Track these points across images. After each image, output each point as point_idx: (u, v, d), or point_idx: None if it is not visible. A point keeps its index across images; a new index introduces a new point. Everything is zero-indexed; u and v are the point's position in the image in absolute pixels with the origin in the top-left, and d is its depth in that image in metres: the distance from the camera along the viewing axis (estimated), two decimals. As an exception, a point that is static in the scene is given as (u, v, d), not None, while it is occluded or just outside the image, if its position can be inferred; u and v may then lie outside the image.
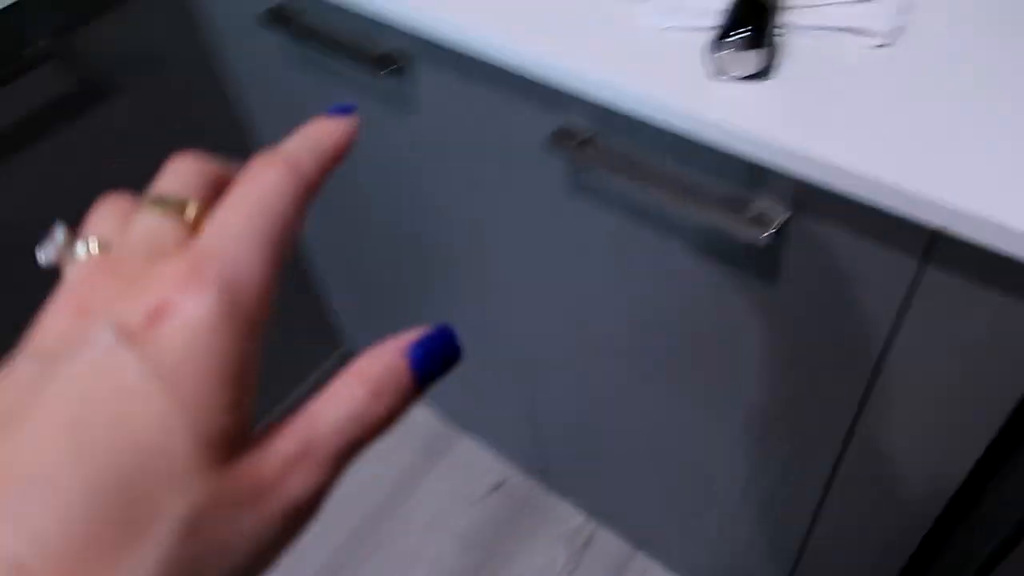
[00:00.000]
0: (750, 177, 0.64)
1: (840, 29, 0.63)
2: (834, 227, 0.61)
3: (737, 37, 0.59)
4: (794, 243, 0.65)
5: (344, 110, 0.24)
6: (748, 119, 0.59)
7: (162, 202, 0.22)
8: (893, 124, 0.56)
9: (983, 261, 0.54)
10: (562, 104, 0.72)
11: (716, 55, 0.60)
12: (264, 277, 0.20)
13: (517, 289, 1.01)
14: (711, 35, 0.60)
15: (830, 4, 0.64)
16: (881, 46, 0.62)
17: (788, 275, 0.68)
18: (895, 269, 0.60)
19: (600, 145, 0.72)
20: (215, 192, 0.22)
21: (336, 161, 0.23)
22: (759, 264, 0.69)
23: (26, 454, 0.17)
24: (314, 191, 0.22)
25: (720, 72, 0.62)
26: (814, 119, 0.58)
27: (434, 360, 0.22)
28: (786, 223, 0.64)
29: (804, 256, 0.66)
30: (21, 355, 0.19)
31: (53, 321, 0.20)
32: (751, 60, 0.60)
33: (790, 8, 0.64)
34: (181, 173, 0.23)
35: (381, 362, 0.21)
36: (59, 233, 0.22)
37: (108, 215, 0.23)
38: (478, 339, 1.17)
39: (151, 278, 0.19)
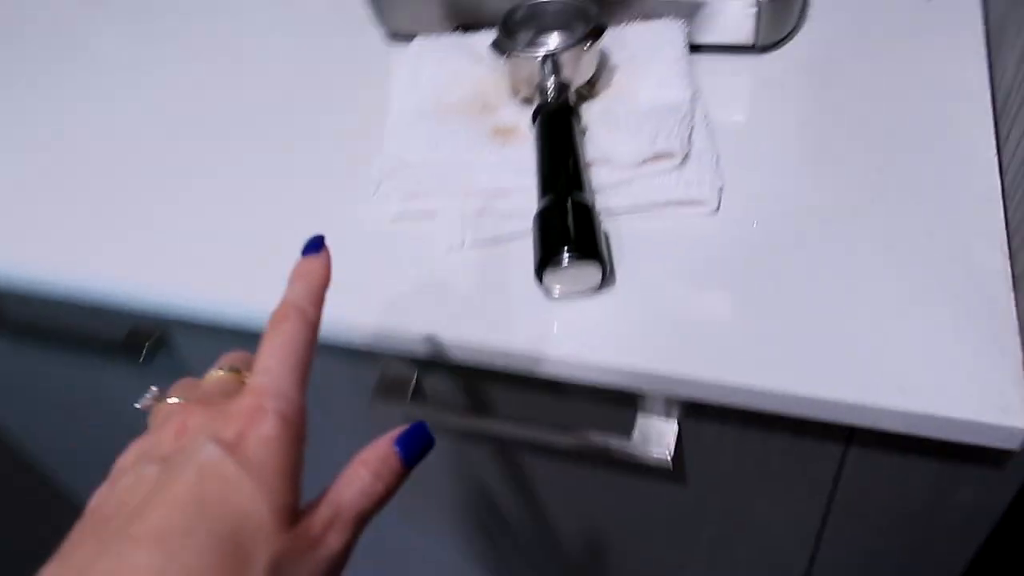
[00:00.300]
0: (630, 402, 0.54)
1: (665, 204, 0.55)
2: (738, 427, 0.52)
3: (568, 254, 0.48)
4: (695, 449, 0.55)
5: (315, 245, 0.36)
6: (602, 348, 0.48)
7: (223, 369, 0.35)
8: (767, 317, 0.48)
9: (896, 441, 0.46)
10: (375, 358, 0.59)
11: (547, 275, 0.50)
12: (301, 398, 0.30)
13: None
14: (523, 248, 0.50)
15: (642, 178, 0.56)
16: (715, 211, 0.54)
17: (698, 475, 0.58)
18: (819, 455, 0.51)
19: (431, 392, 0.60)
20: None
21: (325, 290, 0.34)
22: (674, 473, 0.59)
23: (170, 519, 0.25)
24: (318, 325, 0.33)
25: (553, 294, 0.51)
26: (680, 329, 0.48)
27: (415, 446, 0.32)
28: (679, 437, 0.54)
29: (708, 458, 0.56)
30: (139, 462, 0.29)
31: (159, 439, 0.29)
32: (589, 275, 0.50)
33: (599, 192, 0.55)
34: (226, 359, 0.36)
35: (377, 452, 0.31)
36: (152, 391, 0.34)
37: (181, 387, 0.34)
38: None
39: (230, 409, 0.29)
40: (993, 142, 0.55)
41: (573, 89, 0.60)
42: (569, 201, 0.51)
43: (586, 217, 0.50)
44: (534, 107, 0.60)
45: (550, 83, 0.59)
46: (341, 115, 0.69)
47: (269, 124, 0.70)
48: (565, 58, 0.59)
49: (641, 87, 0.62)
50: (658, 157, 0.55)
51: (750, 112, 0.62)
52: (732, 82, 0.65)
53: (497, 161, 0.59)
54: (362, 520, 0.29)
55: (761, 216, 0.54)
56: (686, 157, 0.56)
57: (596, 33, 0.59)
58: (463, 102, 0.65)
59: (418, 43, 0.69)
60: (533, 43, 0.64)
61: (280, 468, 0.28)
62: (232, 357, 0.36)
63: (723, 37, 0.65)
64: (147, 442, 0.30)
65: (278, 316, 0.32)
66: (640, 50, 0.63)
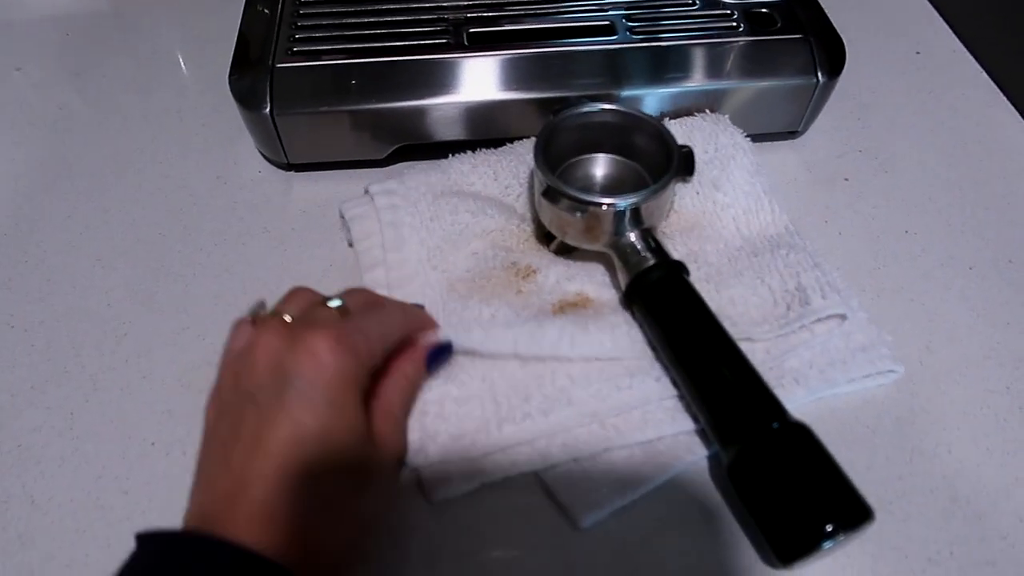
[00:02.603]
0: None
1: (848, 382, 0.41)
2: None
3: (840, 535, 0.33)
4: None
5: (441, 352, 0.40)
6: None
7: (335, 301, 0.36)
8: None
9: None
10: None
11: (799, 562, 0.33)
12: (376, 360, 0.35)
13: None
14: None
15: (791, 352, 0.42)
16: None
17: None
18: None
19: None
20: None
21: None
22: None
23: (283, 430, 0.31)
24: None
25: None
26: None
27: (438, 358, 0.40)
28: None
29: None
30: (241, 394, 0.32)
31: (261, 361, 0.33)
32: (856, 534, 0.34)
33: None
34: (346, 294, 0.38)
35: (415, 357, 0.38)
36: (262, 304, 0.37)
37: (295, 300, 0.37)
38: None
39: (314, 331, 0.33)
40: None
41: (654, 235, 0.43)
42: (783, 437, 0.35)
43: (818, 452, 0.35)
44: (623, 278, 0.42)
45: (633, 237, 0.42)
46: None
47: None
48: (651, 203, 0.42)
49: (723, 216, 0.47)
50: (810, 320, 0.41)
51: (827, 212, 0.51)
52: (783, 170, 0.53)
53: (589, 351, 0.40)
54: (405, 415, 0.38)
55: (942, 363, 0.43)
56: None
57: (689, 161, 0.43)
58: (485, 270, 0.45)
59: (382, 195, 0.47)
60: (587, 175, 0.46)
61: (348, 400, 0.32)
62: (352, 294, 0.38)
63: (770, 124, 0.53)
64: (242, 364, 0.33)
65: (392, 307, 0.40)
66: (702, 163, 0.48)
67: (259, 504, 0.30)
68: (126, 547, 0.37)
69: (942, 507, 0.38)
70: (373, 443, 0.34)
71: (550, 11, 0.53)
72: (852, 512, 0.33)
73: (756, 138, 0.50)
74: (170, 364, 0.43)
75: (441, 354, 0.40)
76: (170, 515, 0.38)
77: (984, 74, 0.60)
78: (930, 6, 0.66)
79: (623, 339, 0.41)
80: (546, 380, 0.40)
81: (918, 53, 0.62)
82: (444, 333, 0.40)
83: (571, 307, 0.43)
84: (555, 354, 0.40)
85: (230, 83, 0.49)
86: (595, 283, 0.44)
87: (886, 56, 0.61)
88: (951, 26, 0.64)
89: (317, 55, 0.50)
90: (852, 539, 0.34)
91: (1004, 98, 0.58)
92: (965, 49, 0.62)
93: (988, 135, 0.55)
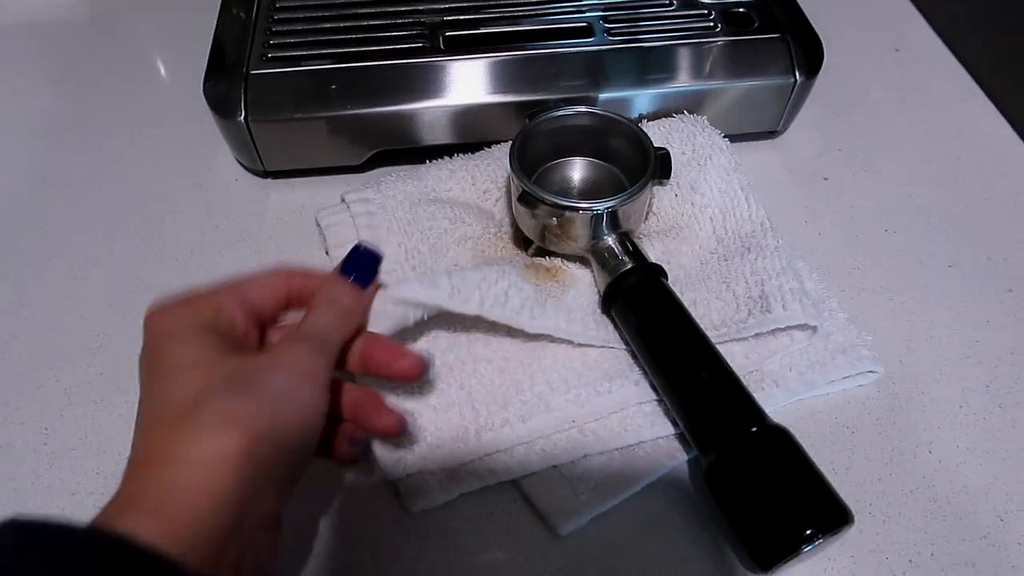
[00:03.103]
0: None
1: (828, 383, 0.41)
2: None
3: (817, 539, 0.32)
4: None
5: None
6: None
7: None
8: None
9: None
10: None
11: (778, 567, 0.33)
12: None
13: None
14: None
15: (772, 356, 0.42)
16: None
17: None
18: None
19: None
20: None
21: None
22: None
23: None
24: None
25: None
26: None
27: (364, 270, 0.35)
28: None
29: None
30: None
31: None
32: (835, 537, 0.34)
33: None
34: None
35: (335, 290, 0.34)
36: None
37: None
38: None
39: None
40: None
41: (632, 239, 0.43)
42: (761, 441, 0.35)
43: (796, 456, 0.35)
44: (601, 282, 0.42)
45: (611, 240, 0.42)
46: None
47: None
48: (628, 206, 0.42)
49: (700, 216, 0.46)
50: (767, 329, 0.41)
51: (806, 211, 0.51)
52: (763, 169, 0.52)
53: (544, 327, 0.40)
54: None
55: (922, 362, 0.43)
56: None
57: (666, 164, 0.43)
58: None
59: (358, 203, 0.46)
60: (564, 179, 0.46)
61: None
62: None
63: (749, 124, 0.52)
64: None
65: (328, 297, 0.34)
66: (679, 165, 0.47)
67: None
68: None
69: (922, 508, 0.38)
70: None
71: (527, 13, 0.53)
72: (831, 515, 0.33)
73: (735, 138, 0.50)
74: (146, 376, 0.43)
75: (363, 261, 0.35)
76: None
77: (963, 70, 0.60)
78: (908, 2, 0.66)
79: (576, 324, 0.41)
80: (525, 386, 0.39)
81: (897, 50, 0.62)
82: (408, 284, 0.36)
83: (545, 272, 0.43)
84: (514, 323, 0.39)
85: (204, 90, 0.49)
86: (568, 263, 0.44)
87: (865, 53, 0.61)
88: (930, 22, 0.64)
89: (292, 61, 0.49)
90: (832, 542, 0.34)
91: (983, 94, 0.58)
92: (944, 45, 0.62)
93: (967, 131, 0.55)
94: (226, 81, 0.49)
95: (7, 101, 0.59)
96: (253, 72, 0.49)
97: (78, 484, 0.39)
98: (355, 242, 0.37)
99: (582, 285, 0.43)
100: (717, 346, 0.38)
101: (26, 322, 0.46)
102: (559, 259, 0.44)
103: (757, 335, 0.40)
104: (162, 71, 0.62)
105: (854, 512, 0.33)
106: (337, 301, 0.34)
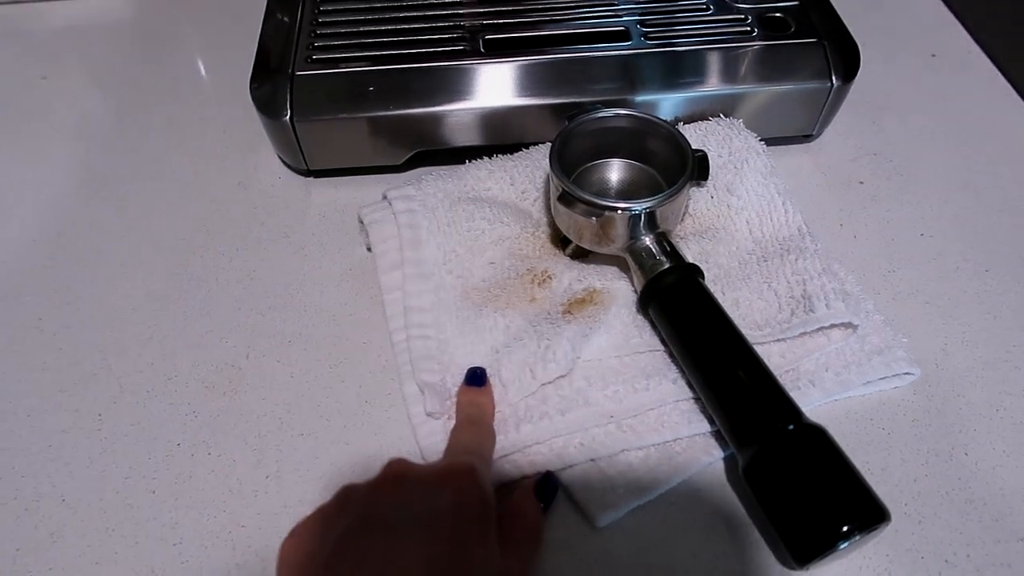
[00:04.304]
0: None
1: (864, 384, 0.41)
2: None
3: (855, 535, 0.33)
4: None
5: (479, 379, 0.40)
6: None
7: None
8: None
9: None
10: None
11: (815, 563, 0.34)
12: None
13: None
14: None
15: (808, 356, 0.42)
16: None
17: None
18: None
19: None
20: None
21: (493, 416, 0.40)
22: None
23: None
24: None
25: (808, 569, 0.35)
26: None
27: (550, 493, 0.37)
28: None
29: None
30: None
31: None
32: (871, 536, 0.35)
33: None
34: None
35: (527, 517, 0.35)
36: None
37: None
38: None
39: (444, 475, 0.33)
40: None
41: (669, 239, 0.43)
42: (799, 439, 0.35)
43: (833, 453, 0.35)
44: (638, 282, 0.42)
45: (648, 241, 0.42)
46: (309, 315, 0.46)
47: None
48: (666, 207, 0.42)
49: (736, 219, 0.47)
50: (819, 328, 0.41)
51: (843, 214, 0.51)
52: (798, 173, 0.53)
53: (590, 354, 0.41)
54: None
55: (958, 365, 0.43)
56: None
57: (703, 165, 0.43)
58: (500, 280, 0.45)
59: (400, 200, 0.47)
60: (602, 180, 0.47)
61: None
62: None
63: (784, 128, 0.53)
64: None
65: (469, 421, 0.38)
66: (716, 167, 0.48)
67: None
68: (154, 545, 0.38)
69: (958, 509, 0.38)
70: None
71: (565, 17, 0.54)
72: (868, 513, 0.33)
73: (770, 141, 0.50)
74: (194, 366, 0.44)
75: (549, 484, 0.38)
76: (195, 514, 0.39)
77: (1000, 76, 0.60)
78: (945, 8, 0.66)
79: (618, 338, 0.42)
80: (563, 381, 0.40)
81: (933, 56, 0.62)
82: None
83: (579, 305, 0.43)
84: (565, 370, 0.40)
85: (251, 91, 0.50)
86: (603, 277, 0.45)
87: (901, 59, 0.62)
88: (967, 28, 0.64)
89: (335, 63, 0.51)
90: (868, 540, 0.34)
91: (1020, 100, 0.58)
92: (981, 51, 0.62)
93: (1003, 137, 0.55)
94: (272, 83, 0.50)
95: (58, 102, 0.61)
96: (298, 74, 0.50)
97: (131, 468, 0.40)
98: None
99: (620, 298, 0.44)
100: (757, 346, 0.39)
101: (79, 314, 0.47)
102: (594, 281, 0.44)
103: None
104: (206, 73, 0.64)
105: (890, 511, 0.33)
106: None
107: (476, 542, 0.30)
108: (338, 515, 0.31)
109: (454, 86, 0.50)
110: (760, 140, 0.49)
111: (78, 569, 0.37)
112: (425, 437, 0.40)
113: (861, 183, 0.53)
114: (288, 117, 0.49)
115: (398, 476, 0.33)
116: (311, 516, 0.32)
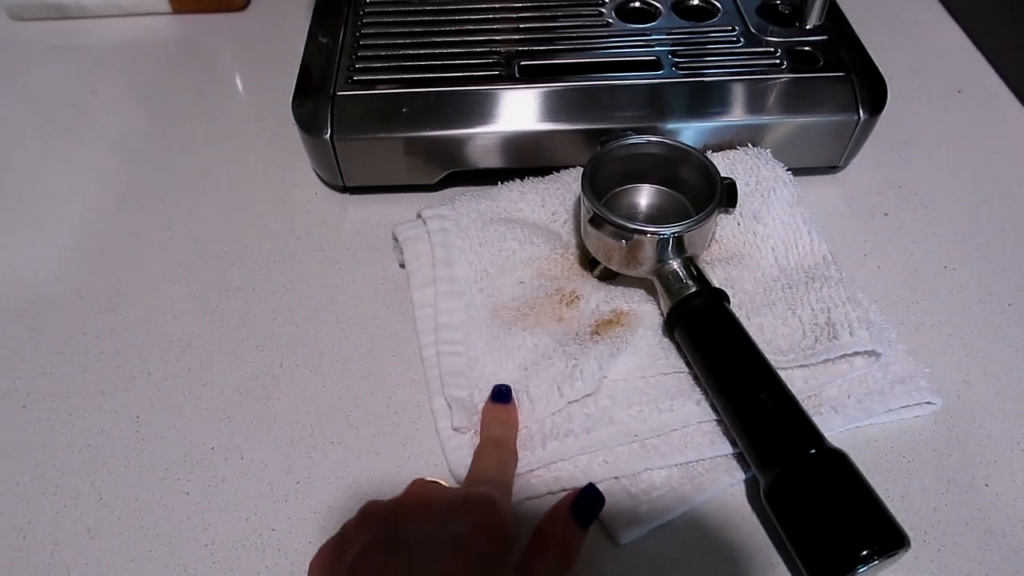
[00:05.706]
0: None
1: (885, 412, 0.42)
2: None
3: (875, 559, 0.33)
4: None
5: (505, 396, 0.41)
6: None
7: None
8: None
9: None
10: None
11: (832, 585, 0.34)
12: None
13: None
14: None
15: (830, 382, 0.43)
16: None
17: None
18: None
19: None
20: None
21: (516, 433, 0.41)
22: None
23: None
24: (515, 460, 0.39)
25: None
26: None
27: (589, 509, 0.36)
28: None
29: None
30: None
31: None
32: (890, 561, 0.35)
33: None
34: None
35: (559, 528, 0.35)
36: None
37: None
38: None
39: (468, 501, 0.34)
40: None
41: (696, 263, 0.44)
42: (821, 463, 0.36)
43: (854, 478, 0.36)
44: (665, 304, 0.43)
45: (676, 265, 0.43)
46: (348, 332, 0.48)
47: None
48: (694, 232, 0.43)
49: (762, 246, 0.48)
50: (843, 356, 0.42)
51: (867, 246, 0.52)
52: (824, 203, 0.54)
53: (616, 375, 0.42)
54: None
55: (980, 397, 0.43)
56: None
57: (732, 193, 0.44)
58: (529, 299, 0.46)
59: (433, 219, 0.49)
60: (631, 204, 0.48)
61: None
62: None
63: (811, 159, 0.54)
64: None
65: (492, 443, 0.39)
66: (743, 195, 0.49)
67: None
68: (187, 545, 0.39)
69: (978, 539, 0.38)
70: None
71: (599, 46, 0.55)
72: (888, 537, 0.34)
73: (797, 172, 0.51)
74: (230, 373, 0.46)
75: (587, 500, 0.36)
76: (228, 516, 0.40)
77: (1026, 113, 0.61)
78: (972, 45, 0.67)
79: (644, 359, 0.43)
80: (589, 400, 0.41)
81: (959, 91, 0.63)
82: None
83: (606, 326, 0.44)
84: (591, 390, 0.41)
85: (293, 109, 0.52)
86: (630, 299, 0.45)
87: (927, 94, 0.63)
88: (993, 65, 0.65)
89: (375, 84, 0.52)
90: (887, 566, 0.35)
91: (1046, 137, 0.58)
92: (1007, 88, 0.63)
93: (1029, 173, 0.56)
94: (313, 101, 0.52)
95: (104, 115, 0.63)
96: (339, 94, 0.52)
97: (167, 470, 0.42)
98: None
99: (647, 320, 0.45)
100: (781, 371, 0.40)
101: (121, 319, 0.49)
102: (621, 303, 0.45)
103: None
104: (243, 93, 0.66)
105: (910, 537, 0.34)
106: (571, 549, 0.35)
107: (493, 570, 0.31)
108: (358, 531, 0.32)
109: (489, 109, 0.51)
110: (787, 170, 0.50)
111: (112, 566, 0.38)
112: (453, 451, 0.41)
113: (886, 215, 0.54)
114: (328, 135, 0.51)
115: (420, 497, 0.34)
116: (335, 534, 0.33)
